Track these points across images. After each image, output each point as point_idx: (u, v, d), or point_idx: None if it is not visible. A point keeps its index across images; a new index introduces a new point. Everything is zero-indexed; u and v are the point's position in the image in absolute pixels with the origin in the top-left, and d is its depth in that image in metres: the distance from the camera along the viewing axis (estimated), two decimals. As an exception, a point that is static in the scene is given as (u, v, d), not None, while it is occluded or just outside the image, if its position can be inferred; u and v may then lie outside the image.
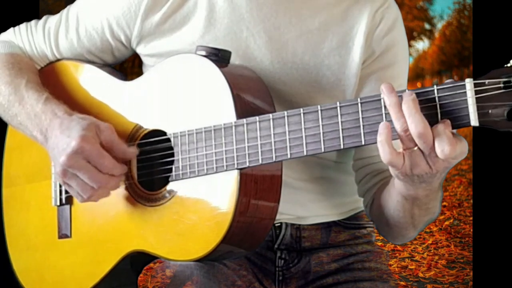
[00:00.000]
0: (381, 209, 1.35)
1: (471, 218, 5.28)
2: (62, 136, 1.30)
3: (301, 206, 1.44)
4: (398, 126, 1.07)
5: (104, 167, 1.28)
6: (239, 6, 1.38)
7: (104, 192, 1.32)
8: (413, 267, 4.25)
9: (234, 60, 1.32)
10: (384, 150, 1.08)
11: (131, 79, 1.43)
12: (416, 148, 1.08)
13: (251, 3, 1.38)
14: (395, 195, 1.27)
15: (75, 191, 1.32)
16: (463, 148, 1.06)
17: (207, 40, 1.37)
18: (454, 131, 1.07)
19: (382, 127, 1.09)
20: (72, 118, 1.32)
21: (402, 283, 3.90)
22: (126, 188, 1.36)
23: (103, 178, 1.28)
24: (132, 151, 1.33)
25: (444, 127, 1.05)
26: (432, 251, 4.59)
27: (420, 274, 4.10)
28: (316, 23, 1.38)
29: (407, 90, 1.09)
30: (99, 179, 1.28)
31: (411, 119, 1.05)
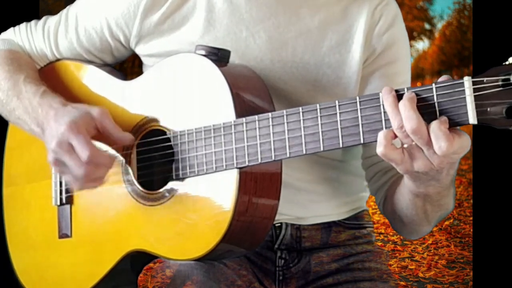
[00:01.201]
0: (394, 207, 1.35)
1: (471, 218, 5.28)
2: (55, 124, 1.30)
3: (301, 207, 1.44)
4: (393, 123, 1.08)
5: (85, 155, 1.26)
6: (238, 6, 1.38)
7: (91, 183, 1.31)
8: (413, 267, 4.24)
9: (234, 60, 1.32)
10: (379, 143, 1.09)
11: (131, 79, 1.43)
12: (413, 142, 1.08)
13: (250, 3, 1.38)
14: (406, 194, 1.27)
15: (69, 178, 1.32)
16: (463, 143, 1.06)
17: (206, 40, 1.37)
18: (458, 128, 1.07)
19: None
20: (65, 108, 1.33)
21: (402, 283, 3.90)
22: (126, 188, 1.36)
23: (86, 168, 1.27)
24: (128, 136, 1.32)
25: (439, 124, 1.05)
26: (432, 251, 4.59)
27: (420, 274, 4.10)
28: (315, 21, 1.38)
29: (406, 89, 1.09)
30: (82, 170, 1.27)
31: (405, 116, 1.06)
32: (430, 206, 1.27)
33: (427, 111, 1.06)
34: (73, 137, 1.27)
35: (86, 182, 1.30)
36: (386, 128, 1.10)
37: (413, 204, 1.27)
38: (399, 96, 1.09)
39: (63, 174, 1.33)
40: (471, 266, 4.07)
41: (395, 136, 1.09)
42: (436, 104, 1.06)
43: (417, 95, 1.07)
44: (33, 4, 2.39)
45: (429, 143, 1.06)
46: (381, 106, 1.10)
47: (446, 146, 1.05)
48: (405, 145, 1.09)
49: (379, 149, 1.09)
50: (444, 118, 1.05)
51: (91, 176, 1.29)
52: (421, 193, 1.22)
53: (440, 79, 1.08)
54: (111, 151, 1.35)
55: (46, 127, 1.34)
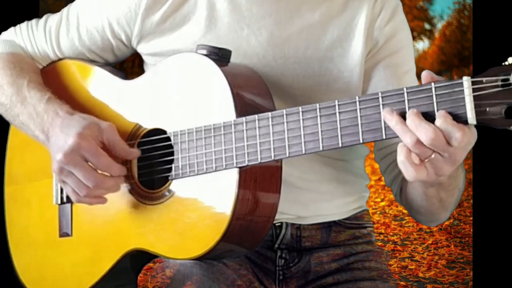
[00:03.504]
0: (409, 200, 1.35)
1: (471, 218, 5.27)
2: (62, 134, 1.31)
3: (302, 206, 1.44)
4: (408, 141, 1.07)
5: (100, 165, 1.28)
6: (239, 4, 1.39)
7: (100, 192, 1.32)
8: (413, 267, 4.24)
9: (236, 58, 1.32)
10: (407, 169, 1.08)
11: (132, 78, 1.43)
12: (433, 155, 1.07)
13: (250, 0, 1.38)
14: (418, 187, 1.27)
15: (71, 189, 1.32)
16: (471, 131, 1.06)
17: (208, 39, 1.38)
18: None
19: (400, 146, 1.09)
20: (72, 117, 1.33)
21: (402, 283, 3.90)
22: (126, 187, 1.36)
23: (98, 177, 1.29)
24: (135, 152, 1.33)
25: (444, 118, 1.04)
26: (432, 251, 4.59)
27: (420, 274, 4.10)
28: (316, 16, 1.38)
29: (405, 89, 1.09)
30: (94, 177, 1.29)
31: (419, 130, 1.06)
32: (444, 193, 1.27)
33: (426, 111, 1.06)
34: (85, 148, 1.27)
35: (91, 194, 1.31)
36: (385, 128, 1.10)
37: (426, 195, 1.28)
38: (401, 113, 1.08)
39: (65, 185, 1.33)
40: (471, 266, 4.07)
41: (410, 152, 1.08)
42: (435, 104, 1.06)
43: (416, 94, 1.07)
44: (33, 4, 2.39)
45: (447, 146, 1.06)
46: (380, 106, 1.10)
47: (461, 136, 1.04)
48: (426, 160, 1.08)
49: (409, 176, 1.09)
50: (443, 112, 1.05)
51: (101, 186, 1.30)
52: (434, 182, 1.21)
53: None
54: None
55: (52, 134, 1.34)
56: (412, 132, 1.07)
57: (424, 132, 1.05)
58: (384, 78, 1.39)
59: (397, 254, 4.48)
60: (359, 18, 1.39)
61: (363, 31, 1.38)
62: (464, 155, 1.09)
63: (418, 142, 1.06)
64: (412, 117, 1.07)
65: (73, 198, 1.34)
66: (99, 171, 1.30)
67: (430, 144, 1.06)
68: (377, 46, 1.40)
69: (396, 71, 1.40)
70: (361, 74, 1.39)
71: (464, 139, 1.05)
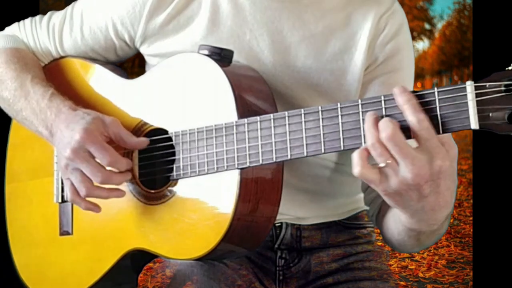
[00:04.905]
0: (386, 229, 1.32)
1: (471, 218, 5.27)
2: (67, 130, 1.30)
3: (302, 207, 1.44)
4: (369, 139, 1.05)
5: (107, 160, 1.28)
6: (242, 9, 1.38)
7: (102, 194, 1.32)
8: (413, 267, 4.24)
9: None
10: (355, 165, 1.05)
11: (132, 78, 1.43)
12: (389, 161, 1.04)
13: (254, 6, 1.38)
14: (399, 225, 1.23)
15: (71, 186, 1.32)
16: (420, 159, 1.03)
17: (210, 41, 1.37)
18: (449, 134, 1.06)
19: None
20: (76, 113, 1.33)
21: (402, 283, 3.90)
22: (128, 186, 1.36)
23: (106, 172, 1.28)
24: (143, 140, 1.33)
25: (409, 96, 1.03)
26: (432, 251, 4.58)
27: (420, 274, 4.10)
28: (319, 27, 1.37)
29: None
30: (102, 173, 1.28)
31: (383, 126, 1.03)
32: (424, 237, 1.23)
33: (428, 115, 1.05)
34: (90, 144, 1.27)
35: (94, 192, 1.31)
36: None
37: (405, 235, 1.24)
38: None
39: (67, 181, 1.33)
40: (471, 266, 4.08)
41: (369, 154, 1.06)
42: (437, 109, 1.05)
43: (419, 98, 1.07)
44: (33, 4, 2.39)
45: (403, 151, 1.03)
46: (383, 110, 1.09)
47: (424, 117, 1.02)
48: (381, 164, 1.05)
49: (356, 170, 1.05)
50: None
51: (108, 181, 1.29)
52: (415, 229, 1.19)
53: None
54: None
55: (56, 131, 1.34)
56: (377, 132, 1.04)
57: (385, 127, 1.02)
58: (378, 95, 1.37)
59: (397, 254, 4.47)
60: (362, 33, 1.37)
61: (365, 46, 1.36)
62: (424, 173, 1.04)
63: (378, 141, 1.03)
64: (384, 120, 1.04)
65: (70, 196, 1.33)
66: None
67: (387, 141, 1.02)
68: (376, 63, 1.38)
69: (392, 90, 1.38)
70: (359, 88, 1.38)
71: (425, 124, 1.02)
